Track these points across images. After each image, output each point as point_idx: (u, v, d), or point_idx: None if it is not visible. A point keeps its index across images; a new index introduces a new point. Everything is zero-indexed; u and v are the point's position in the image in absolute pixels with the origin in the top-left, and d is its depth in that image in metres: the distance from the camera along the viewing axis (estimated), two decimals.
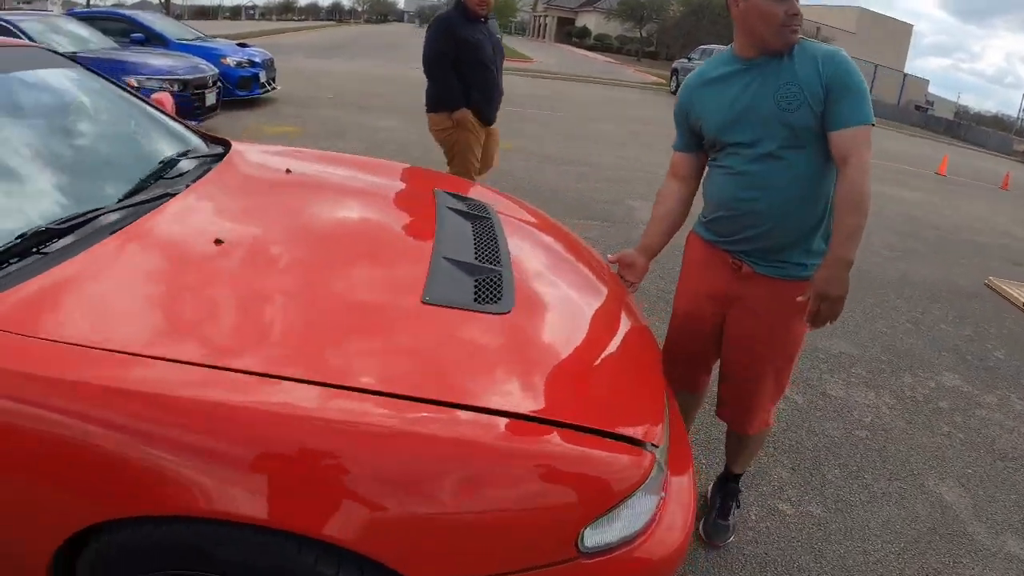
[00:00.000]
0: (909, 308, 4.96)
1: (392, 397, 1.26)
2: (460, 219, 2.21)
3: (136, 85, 6.68)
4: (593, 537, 1.29)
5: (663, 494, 1.51)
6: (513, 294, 1.74)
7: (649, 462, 1.38)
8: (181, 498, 1.16)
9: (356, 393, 1.25)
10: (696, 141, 2.08)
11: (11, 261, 1.48)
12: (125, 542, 1.24)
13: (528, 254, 2.16)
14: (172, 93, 7.02)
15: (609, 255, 2.29)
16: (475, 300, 1.67)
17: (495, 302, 1.68)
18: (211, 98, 7.92)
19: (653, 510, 1.43)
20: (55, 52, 2.44)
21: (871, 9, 46.44)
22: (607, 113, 14.77)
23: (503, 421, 1.28)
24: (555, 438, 1.30)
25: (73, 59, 2.50)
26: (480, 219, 2.26)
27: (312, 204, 2.14)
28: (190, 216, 1.86)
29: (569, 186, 7.19)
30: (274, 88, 11.03)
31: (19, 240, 1.52)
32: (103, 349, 1.24)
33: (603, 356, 1.72)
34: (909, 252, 6.63)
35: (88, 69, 2.48)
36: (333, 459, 1.19)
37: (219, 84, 8.31)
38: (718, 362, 2.25)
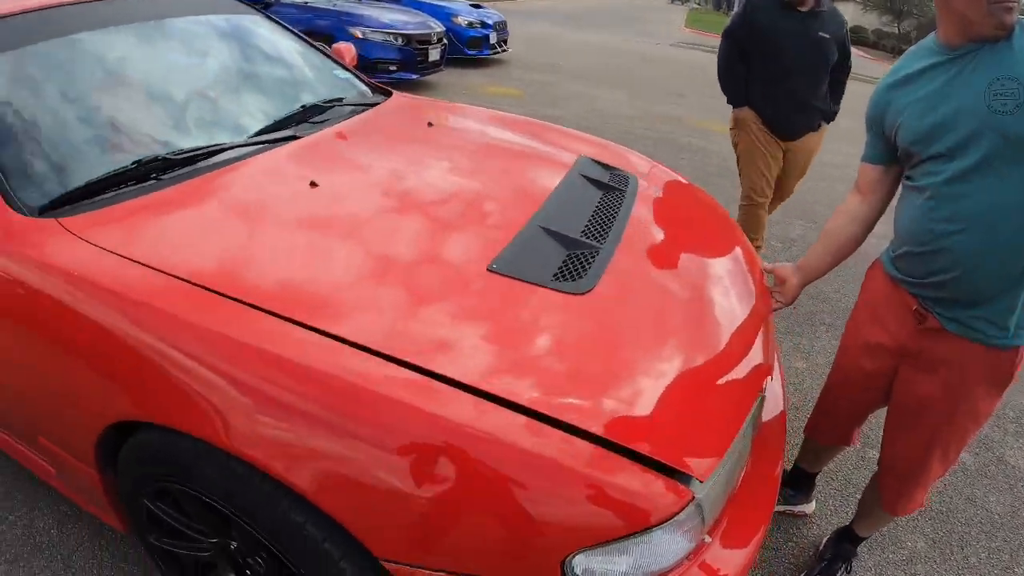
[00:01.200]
0: None
1: (394, 362, 1.22)
2: (589, 188, 2.06)
3: (360, 36, 7.16)
4: (586, 564, 1.16)
5: (706, 539, 1.33)
6: (601, 275, 1.59)
7: (682, 499, 1.19)
8: (197, 420, 1.24)
9: (363, 353, 1.23)
10: (888, 151, 1.69)
11: (127, 184, 1.63)
12: (150, 444, 1.37)
13: (651, 239, 1.92)
14: (395, 47, 7.46)
15: (766, 264, 2.04)
16: (554, 276, 1.54)
17: (575, 280, 1.54)
18: (434, 54, 8.25)
19: (680, 555, 1.26)
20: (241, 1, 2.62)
21: None
22: (850, 107, 13.52)
23: (504, 412, 1.18)
24: (565, 445, 1.16)
25: (262, 6, 2.67)
26: (614, 191, 2.09)
27: (432, 158, 2.12)
28: (301, 158, 1.92)
29: None
30: (504, 50, 11.27)
31: (135, 166, 1.65)
32: (169, 274, 1.36)
33: (676, 368, 1.48)
34: None
35: (268, 17, 2.65)
36: (322, 416, 1.17)
37: (444, 42, 8.63)
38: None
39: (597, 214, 1.89)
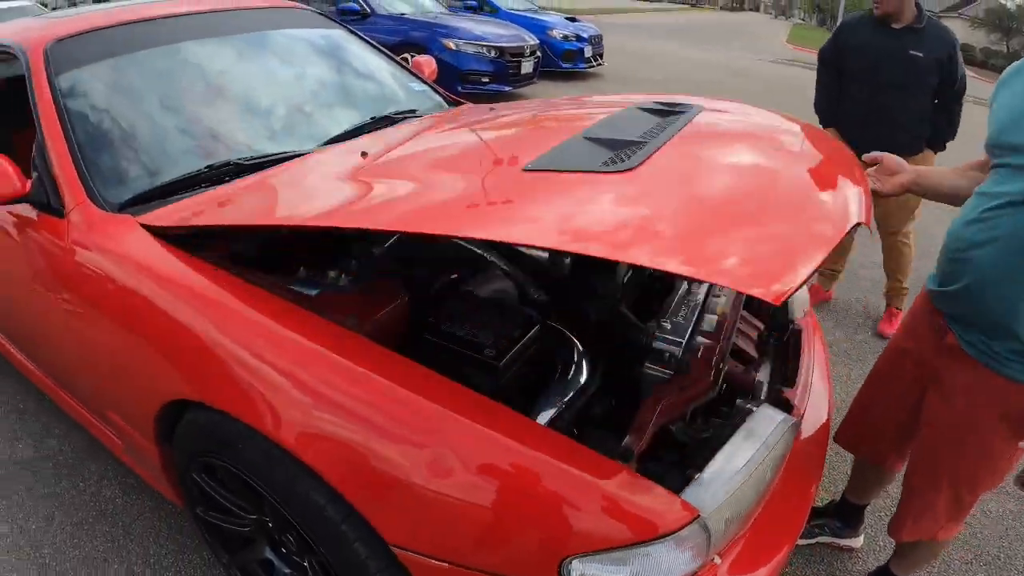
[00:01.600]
0: None
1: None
2: (644, 114, 1.91)
3: (454, 48, 7.38)
4: (583, 570, 1.19)
5: (715, 560, 1.34)
6: (645, 159, 1.47)
7: (686, 516, 1.21)
8: (243, 406, 1.36)
9: (413, 363, 1.35)
10: None
11: (199, 186, 1.78)
12: (200, 420, 1.49)
13: (715, 133, 1.80)
14: (488, 59, 7.63)
15: (876, 153, 1.78)
16: (603, 164, 1.46)
17: (619, 163, 1.46)
18: (527, 67, 8.38)
19: (683, 572, 1.26)
20: (322, 14, 2.78)
21: None
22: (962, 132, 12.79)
23: (529, 423, 1.27)
24: (582, 458, 1.22)
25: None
26: (671, 114, 1.91)
27: (482, 127, 2.09)
28: (355, 142, 2.01)
29: None
30: (600, 63, 11.29)
31: (207, 170, 1.80)
32: (229, 269, 1.51)
33: (746, 208, 1.32)
34: None
35: (350, 31, 2.79)
36: (367, 416, 1.26)
37: (538, 55, 8.74)
38: None
39: (652, 128, 1.73)
